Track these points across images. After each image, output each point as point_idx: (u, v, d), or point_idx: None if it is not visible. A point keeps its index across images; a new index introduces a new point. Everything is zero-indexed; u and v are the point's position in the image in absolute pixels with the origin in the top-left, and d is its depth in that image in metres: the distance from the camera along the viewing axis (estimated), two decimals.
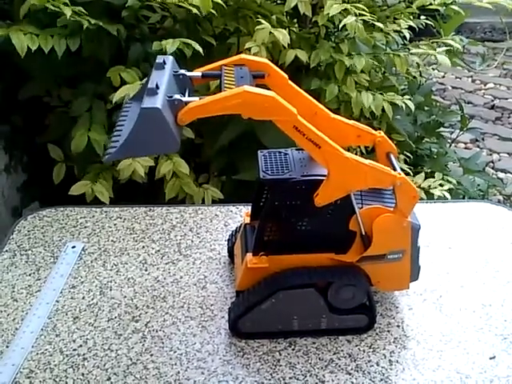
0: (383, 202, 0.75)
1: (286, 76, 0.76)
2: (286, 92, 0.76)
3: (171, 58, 0.72)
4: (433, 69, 1.82)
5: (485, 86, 3.50)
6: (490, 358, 0.73)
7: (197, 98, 0.66)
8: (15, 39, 1.12)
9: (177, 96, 0.66)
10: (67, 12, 1.12)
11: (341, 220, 0.73)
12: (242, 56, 0.75)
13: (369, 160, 0.71)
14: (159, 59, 0.71)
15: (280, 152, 0.76)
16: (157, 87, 0.64)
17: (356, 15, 1.28)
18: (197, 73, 0.73)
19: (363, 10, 1.30)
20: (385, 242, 0.74)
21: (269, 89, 0.69)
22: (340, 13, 1.30)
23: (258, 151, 0.78)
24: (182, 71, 0.72)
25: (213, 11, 1.20)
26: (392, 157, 0.77)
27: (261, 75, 0.74)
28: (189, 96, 0.68)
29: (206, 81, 0.75)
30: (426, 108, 1.76)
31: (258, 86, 0.71)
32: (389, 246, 0.74)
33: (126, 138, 0.64)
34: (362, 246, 0.75)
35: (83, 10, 1.16)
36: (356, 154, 1.30)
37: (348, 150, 0.71)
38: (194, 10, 1.19)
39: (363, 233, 0.73)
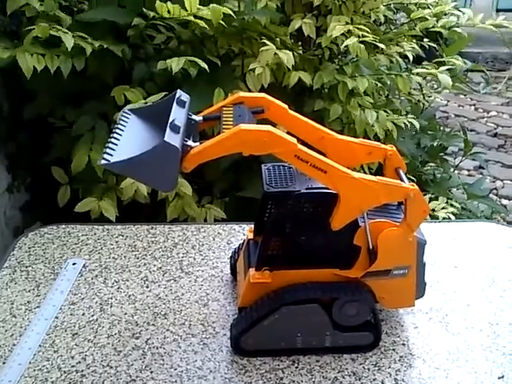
0: (388, 217, 0.74)
1: (285, 106, 0.76)
2: (289, 122, 0.76)
3: (189, 97, 0.72)
4: (435, 92, 1.83)
5: (487, 114, 3.51)
6: (499, 378, 0.72)
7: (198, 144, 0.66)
8: (22, 61, 1.12)
9: (190, 142, 0.66)
10: (69, 43, 1.12)
11: (345, 235, 0.72)
12: (240, 94, 0.75)
13: (377, 176, 0.70)
14: (183, 97, 0.71)
15: (284, 165, 0.76)
16: (180, 126, 0.64)
17: (359, 36, 1.28)
18: (199, 117, 0.73)
19: (366, 31, 1.31)
20: (390, 256, 0.73)
21: (271, 122, 0.69)
22: (343, 34, 1.31)
23: (262, 165, 0.77)
24: (194, 117, 0.72)
25: (222, 22, 1.20)
26: (401, 171, 0.76)
27: (260, 110, 0.74)
28: (193, 142, 0.68)
29: (208, 125, 0.75)
30: (429, 132, 1.76)
31: (259, 121, 0.71)
32: (394, 261, 0.73)
33: (133, 158, 0.63)
34: (366, 262, 0.73)
35: (85, 36, 1.17)
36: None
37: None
38: (202, 24, 1.19)
39: (370, 247, 0.72)
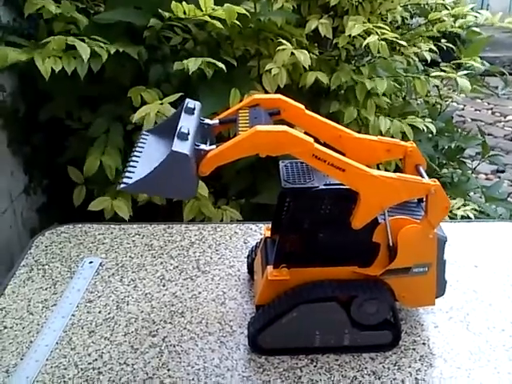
0: (408, 213, 0.73)
1: (302, 106, 0.75)
2: (306, 122, 0.76)
3: (199, 104, 0.72)
4: (453, 100, 1.81)
5: (505, 118, 3.47)
6: None
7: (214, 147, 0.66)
8: (39, 62, 1.12)
9: (202, 146, 0.66)
10: (85, 53, 1.12)
11: (364, 232, 0.71)
12: (255, 96, 0.75)
13: (397, 173, 0.69)
14: (190, 104, 0.71)
15: (302, 162, 0.75)
16: (188, 133, 0.64)
17: (378, 34, 1.27)
18: (215, 121, 0.73)
19: (385, 29, 1.30)
20: (410, 254, 0.72)
21: (288, 123, 0.68)
22: (361, 36, 1.30)
23: (280, 161, 0.76)
24: (207, 120, 0.72)
25: (237, 22, 1.20)
26: (421, 168, 0.75)
27: (276, 112, 0.74)
28: (209, 145, 0.68)
29: (224, 128, 0.75)
30: (446, 134, 1.75)
31: (276, 122, 0.70)
32: (414, 258, 0.72)
33: (147, 175, 0.63)
34: (386, 259, 0.72)
35: (101, 40, 1.17)
36: None
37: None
38: (218, 24, 1.18)
39: (391, 244, 0.71)
